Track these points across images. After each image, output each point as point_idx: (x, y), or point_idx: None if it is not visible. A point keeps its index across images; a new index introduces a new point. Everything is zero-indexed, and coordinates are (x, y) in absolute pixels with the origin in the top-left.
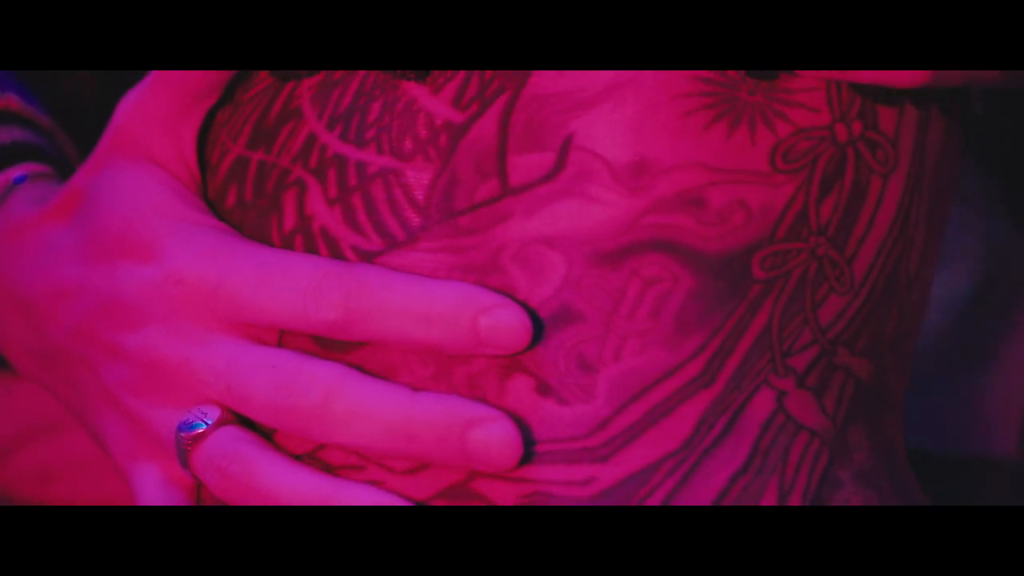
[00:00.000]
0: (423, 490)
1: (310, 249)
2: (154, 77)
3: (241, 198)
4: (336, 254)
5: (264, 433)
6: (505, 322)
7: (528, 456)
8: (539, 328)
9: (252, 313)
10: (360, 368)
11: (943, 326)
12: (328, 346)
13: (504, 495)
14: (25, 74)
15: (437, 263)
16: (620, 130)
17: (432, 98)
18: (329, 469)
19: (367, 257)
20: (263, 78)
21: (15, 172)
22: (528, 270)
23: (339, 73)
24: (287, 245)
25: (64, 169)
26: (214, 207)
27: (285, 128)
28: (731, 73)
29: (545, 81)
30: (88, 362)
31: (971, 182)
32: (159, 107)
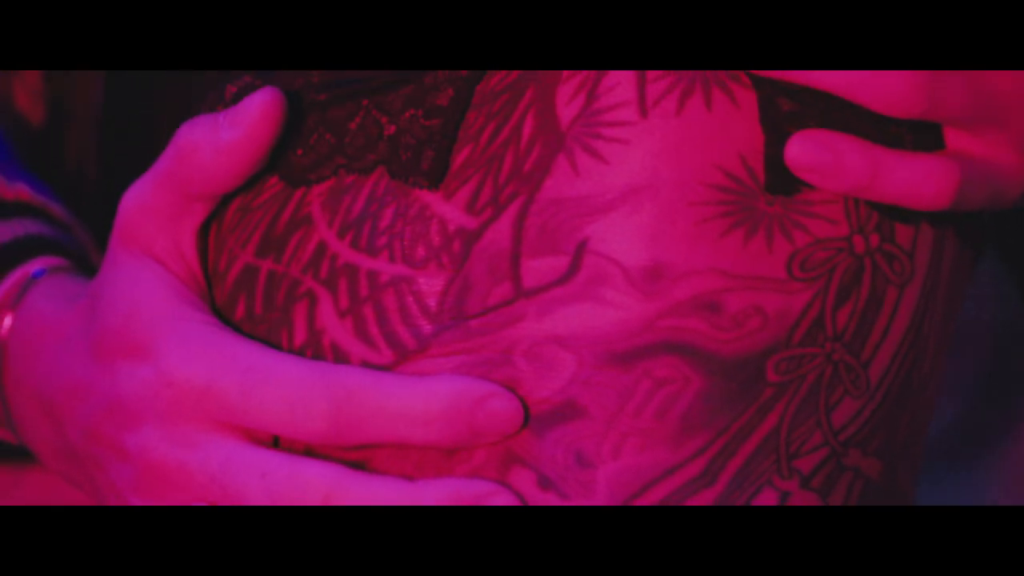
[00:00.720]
0: None
1: None
2: (156, 171)
3: (251, 311)
4: None
5: None
6: (499, 412)
7: None
8: (541, 422)
9: (241, 417)
10: (363, 464)
11: (949, 416)
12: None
13: None
14: (29, 156)
15: (446, 366)
16: (636, 235)
17: (445, 204)
18: None
19: (379, 371)
20: (273, 183)
21: (33, 267)
22: (537, 365)
23: (350, 178)
24: None
25: (81, 260)
26: (222, 317)
27: (295, 236)
28: (749, 183)
29: (560, 185)
30: (99, 461)
31: (980, 266)
32: (159, 202)
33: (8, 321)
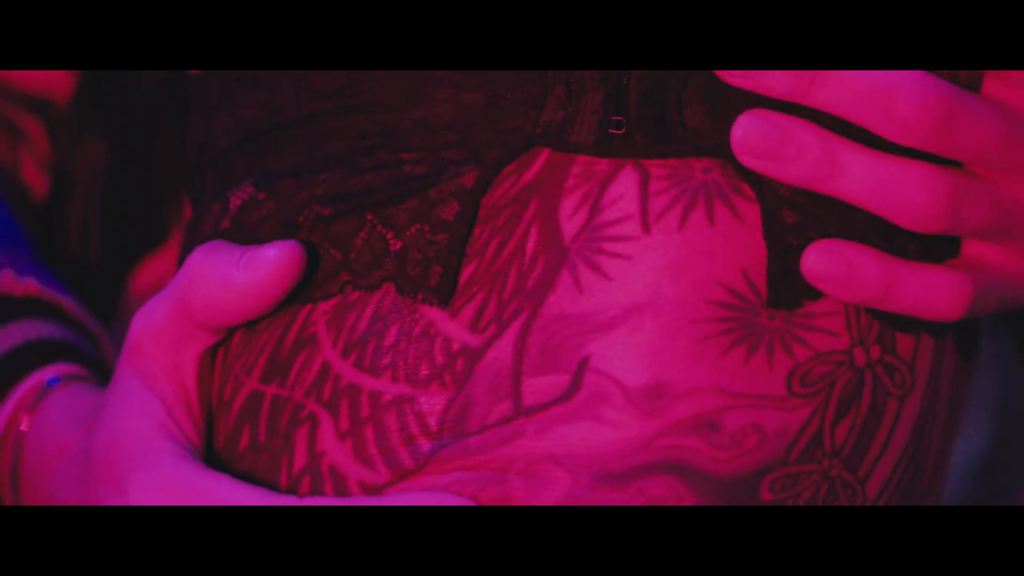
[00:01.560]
0: None
1: (316, 489)
2: (167, 291)
3: (255, 439)
4: (342, 491)
5: None
6: None
7: None
8: None
9: None
10: None
11: (956, 491)
12: None
13: None
14: (33, 226)
15: (440, 483)
16: (637, 354)
17: (450, 322)
18: None
19: (374, 491)
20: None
21: (47, 374)
22: (531, 483)
23: (354, 295)
24: (293, 488)
25: (93, 361)
26: (226, 450)
27: (300, 357)
28: (751, 298)
29: (563, 301)
30: None
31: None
32: (164, 323)
33: (27, 421)
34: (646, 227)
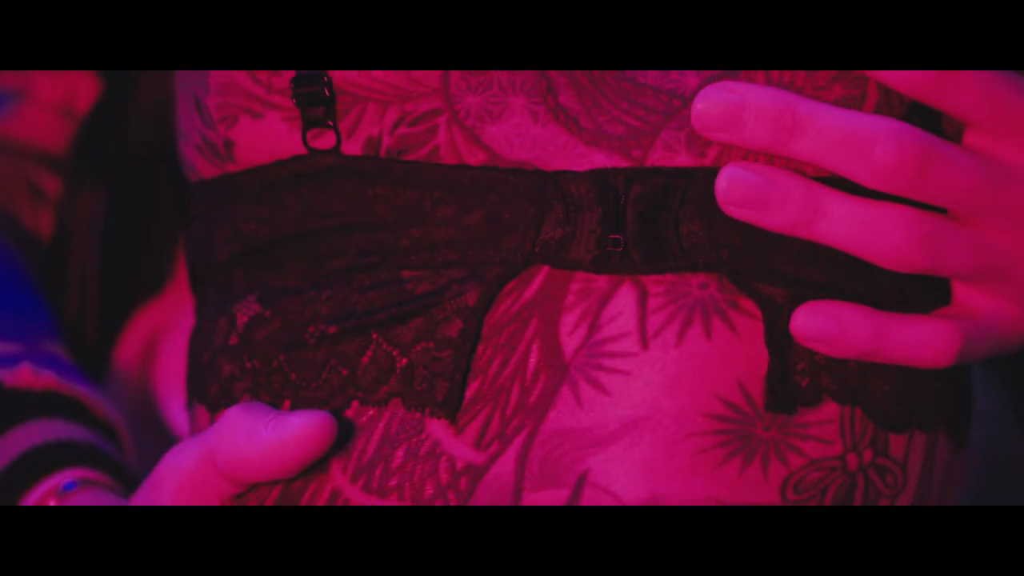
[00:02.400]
0: None
1: None
2: (200, 436)
3: None
4: None
5: None
6: None
7: None
8: None
9: None
10: None
11: None
12: None
13: None
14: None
15: None
16: (634, 468)
17: (455, 440)
18: None
19: None
20: None
21: (64, 478)
22: None
23: (365, 416)
24: None
25: (110, 463)
26: None
27: (311, 487)
28: (747, 410)
29: (563, 417)
30: None
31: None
32: (190, 465)
33: None
34: (644, 343)
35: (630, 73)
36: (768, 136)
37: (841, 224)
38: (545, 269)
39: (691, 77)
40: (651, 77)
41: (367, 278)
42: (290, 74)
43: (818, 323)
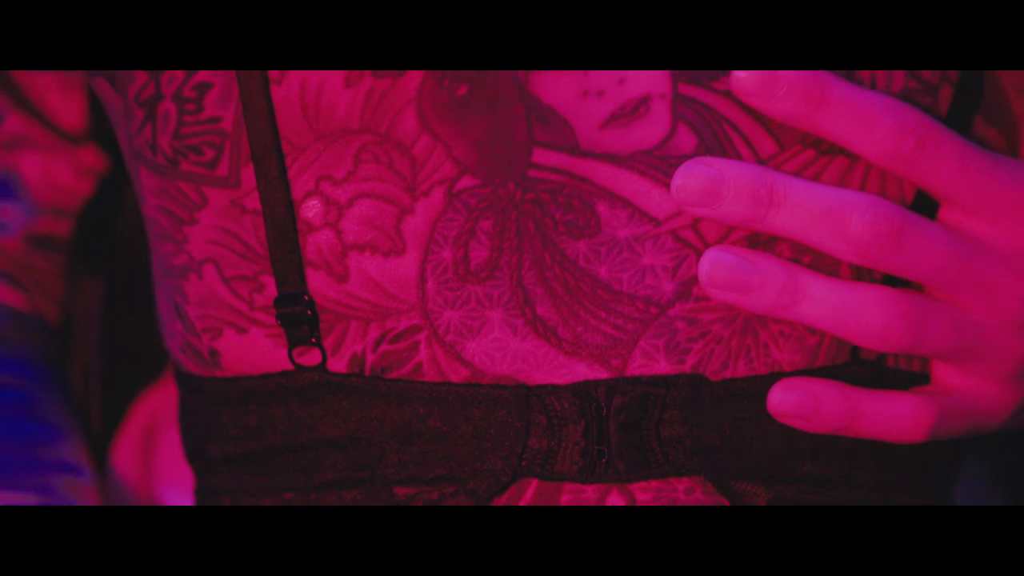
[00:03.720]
0: None
1: None
2: None
3: None
4: None
5: None
6: None
7: None
8: None
9: None
10: None
11: None
12: None
13: None
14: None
15: None
16: None
17: None
18: None
19: None
20: None
21: None
22: None
23: None
24: None
25: None
26: None
27: None
28: None
29: None
30: None
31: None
32: None
33: None
34: None
35: (604, 279)
36: (745, 211)
37: (821, 306)
38: (535, 481)
39: (666, 282)
40: (626, 283)
41: (359, 493)
42: (272, 292)
43: (793, 399)
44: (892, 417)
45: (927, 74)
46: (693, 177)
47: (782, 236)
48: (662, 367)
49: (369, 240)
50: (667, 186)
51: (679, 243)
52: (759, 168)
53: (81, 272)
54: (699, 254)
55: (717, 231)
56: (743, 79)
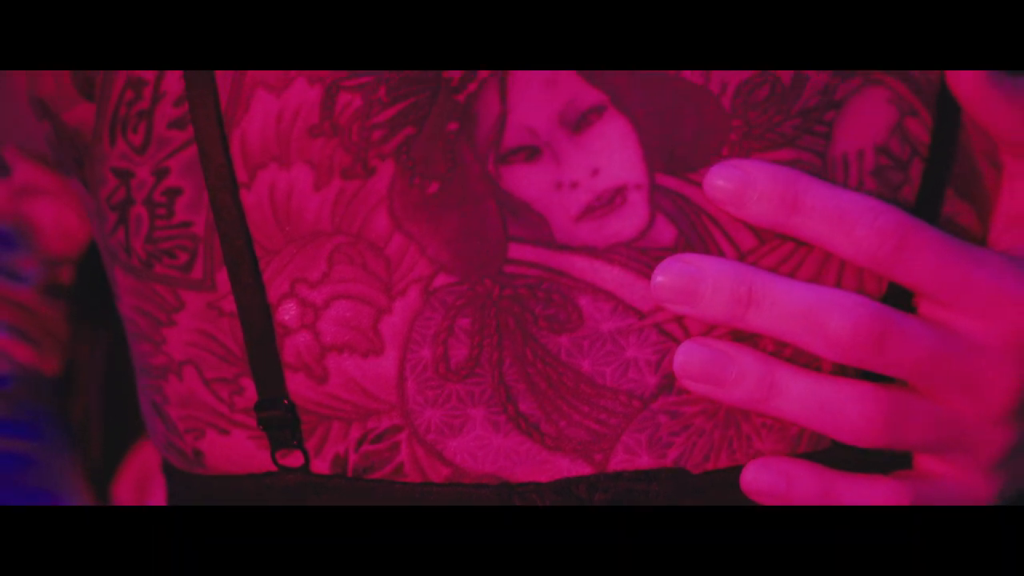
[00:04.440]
0: None
1: None
2: None
3: None
4: None
5: None
6: None
7: None
8: None
9: None
10: None
11: None
12: None
13: None
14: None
15: None
16: None
17: None
18: None
19: None
20: None
21: None
22: None
23: None
24: None
25: None
26: None
27: None
28: None
29: None
30: None
31: None
32: None
33: None
34: None
35: (587, 373)
36: (725, 310)
37: (798, 402)
38: None
39: (649, 375)
40: (609, 377)
41: None
42: (252, 395)
43: (766, 479)
44: (867, 500)
45: (897, 149)
46: (671, 275)
47: (762, 334)
48: (644, 461)
49: (347, 341)
50: (650, 279)
51: (663, 336)
52: (738, 266)
53: (83, 316)
54: None
55: (701, 324)
56: (715, 188)
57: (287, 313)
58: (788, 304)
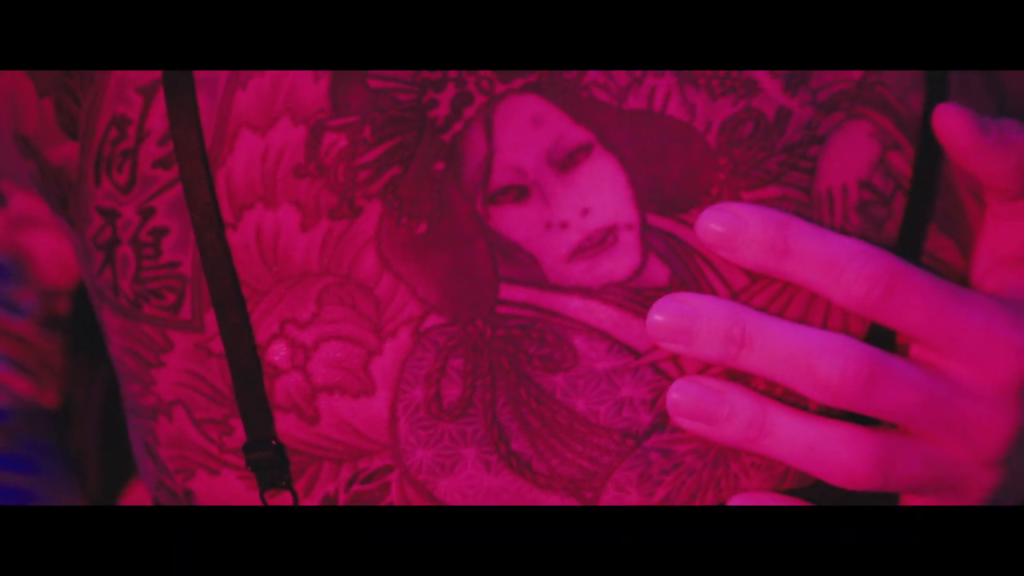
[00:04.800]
0: None
1: None
2: None
3: None
4: None
5: None
6: None
7: None
8: None
9: None
10: None
11: None
12: None
13: None
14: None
15: None
16: None
17: None
18: None
19: None
20: None
21: None
22: None
23: None
24: None
25: None
26: None
27: None
28: None
29: None
30: None
31: None
32: None
33: None
34: None
35: (581, 412)
36: (719, 350)
37: (788, 443)
38: None
39: (643, 414)
40: (603, 416)
41: None
42: (241, 436)
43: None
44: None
45: (880, 183)
46: (668, 314)
47: (754, 374)
48: (633, 498)
49: (338, 382)
50: (645, 318)
51: (658, 375)
52: (733, 306)
53: (80, 348)
54: None
55: (696, 362)
56: (707, 231)
57: (277, 354)
58: (779, 347)
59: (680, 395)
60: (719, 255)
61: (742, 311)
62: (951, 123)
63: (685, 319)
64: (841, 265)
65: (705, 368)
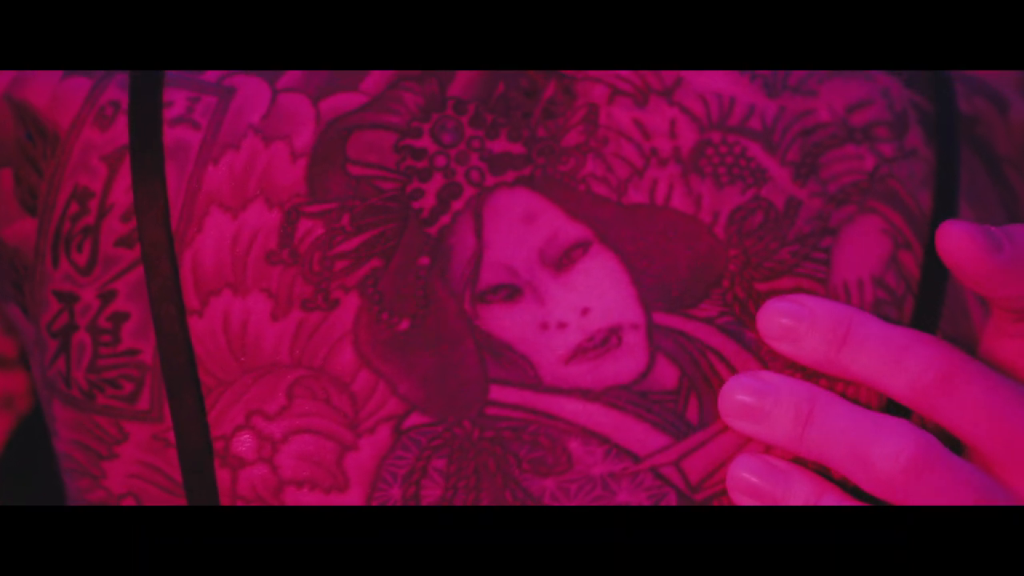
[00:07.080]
0: None
1: None
2: None
3: None
4: None
5: None
6: None
7: None
8: None
9: None
10: None
11: None
12: None
13: None
14: None
15: None
16: None
17: None
18: None
19: None
20: None
21: None
22: None
23: None
24: None
25: None
26: None
27: None
28: None
29: None
30: None
31: None
32: None
33: None
34: None
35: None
36: (789, 430)
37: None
38: None
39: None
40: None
41: None
42: None
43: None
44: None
45: (892, 282)
46: (748, 392)
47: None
48: None
49: (308, 476)
50: (650, 422)
51: (659, 480)
52: (799, 383)
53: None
54: (679, 492)
55: (701, 470)
56: (773, 324)
57: (242, 445)
58: (839, 431)
59: (740, 471)
60: (778, 348)
61: (806, 388)
62: (958, 245)
63: (763, 397)
64: (899, 355)
65: (711, 473)
